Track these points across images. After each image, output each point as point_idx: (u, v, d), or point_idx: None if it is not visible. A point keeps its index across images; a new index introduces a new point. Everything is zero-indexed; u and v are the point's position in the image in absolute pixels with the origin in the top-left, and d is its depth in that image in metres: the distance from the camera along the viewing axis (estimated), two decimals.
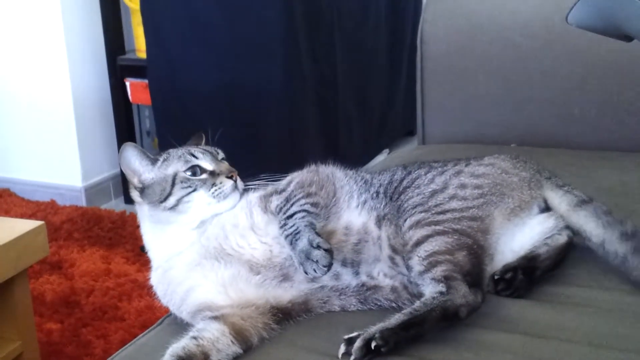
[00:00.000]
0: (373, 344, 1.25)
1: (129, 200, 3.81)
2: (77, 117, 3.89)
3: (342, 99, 3.73)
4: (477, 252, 1.41)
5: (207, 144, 1.68)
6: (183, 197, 1.51)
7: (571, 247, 1.54)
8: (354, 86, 3.89)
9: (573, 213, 1.54)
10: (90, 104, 3.97)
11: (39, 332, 2.52)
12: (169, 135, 3.28)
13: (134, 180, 1.56)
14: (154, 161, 1.56)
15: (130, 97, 3.92)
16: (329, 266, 1.36)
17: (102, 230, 3.51)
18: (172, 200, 1.51)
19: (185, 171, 1.52)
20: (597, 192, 1.85)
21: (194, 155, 1.55)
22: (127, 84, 3.89)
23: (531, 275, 1.46)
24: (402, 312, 1.33)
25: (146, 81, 3.64)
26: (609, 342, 1.29)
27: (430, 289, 1.36)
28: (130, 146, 1.55)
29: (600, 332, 1.32)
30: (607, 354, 1.26)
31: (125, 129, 4.01)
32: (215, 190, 1.51)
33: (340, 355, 1.29)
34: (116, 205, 3.98)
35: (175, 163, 1.54)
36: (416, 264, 1.39)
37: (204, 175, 1.53)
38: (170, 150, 1.59)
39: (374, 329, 1.29)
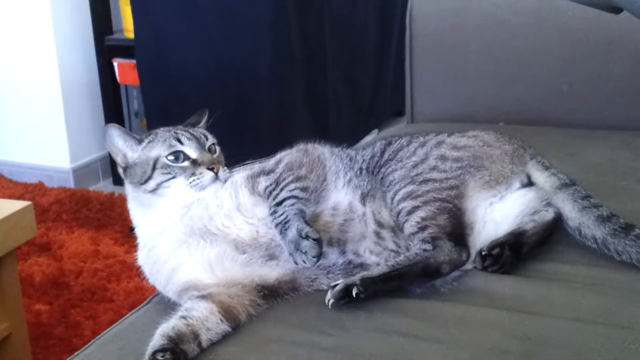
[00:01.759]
0: (354, 290, 1.33)
1: (117, 182, 3.81)
2: (64, 98, 3.87)
3: (331, 79, 3.72)
4: (457, 214, 1.46)
5: (207, 122, 1.66)
6: (162, 182, 1.50)
7: (558, 224, 1.55)
8: (343, 66, 3.88)
9: (554, 195, 1.56)
10: (77, 85, 3.94)
11: (28, 313, 2.52)
12: (157, 115, 3.28)
13: (118, 159, 1.56)
14: (139, 141, 1.55)
15: (118, 78, 3.89)
16: (318, 257, 1.38)
17: (90, 212, 3.50)
18: (152, 184, 1.50)
19: (167, 156, 1.50)
20: (585, 169, 1.87)
21: (179, 140, 1.52)
22: (115, 64, 3.87)
23: (518, 251, 1.47)
24: (386, 264, 1.41)
25: (134, 61, 3.63)
26: (596, 317, 1.30)
27: (417, 247, 1.42)
28: (113, 127, 1.53)
29: (587, 308, 1.33)
30: (593, 329, 1.27)
31: (113, 110, 3.98)
32: (194, 180, 1.49)
33: (326, 301, 1.34)
34: (105, 186, 3.96)
35: (159, 146, 1.52)
36: (408, 227, 1.45)
37: (186, 163, 1.51)
38: (159, 131, 1.57)
39: (356, 276, 1.36)
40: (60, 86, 3.84)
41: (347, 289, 1.33)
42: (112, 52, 3.88)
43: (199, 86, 3.30)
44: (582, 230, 1.51)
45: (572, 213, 1.53)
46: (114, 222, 3.38)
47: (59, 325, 2.54)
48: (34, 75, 3.87)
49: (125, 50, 3.77)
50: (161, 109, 3.41)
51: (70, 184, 3.91)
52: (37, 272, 2.87)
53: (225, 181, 1.53)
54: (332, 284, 1.36)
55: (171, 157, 1.50)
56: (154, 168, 1.50)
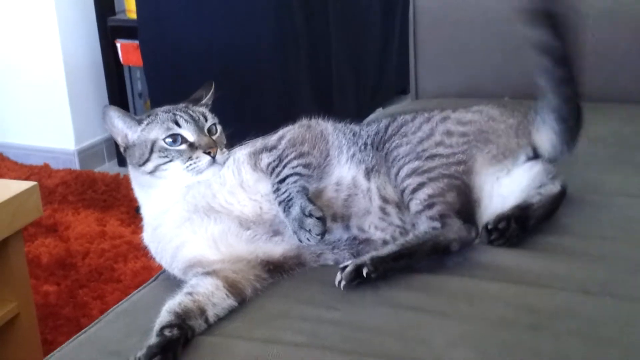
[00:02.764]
0: (364, 270, 1.32)
1: (122, 163, 3.80)
2: (68, 80, 3.86)
3: (335, 58, 3.70)
4: (465, 191, 1.45)
5: (212, 96, 1.64)
6: (160, 165, 1.48)
7: (564, 197, 1.54)
8: (347, 45, 3.86)
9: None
10: (81, 67, 3.93)
11: (36, 294, 2.53)
12: (161, 96, 3.27)
13: (119, 139, 1.54)
14: (139, 121, 1.53)
15: (121, 59, 3.88)
16: (322, 234, 1.38)
17: (96, 193, 3.50)
18: (149, 166, 1.49)
19: (165, 139, 1.48)
20: (590, 143, 1.85)
21: (177, 123, 1.49)
22: (118, 45, 3.85)
23: (524, 224, 1.46)
24: (395, 243, 1.40)
25: (137, 42, 3.60)
26: (603, 289, 1.30)
27: (425, 225, 1.41)
28: (112, 108, 1.52)
29: (593, 280, 1.33)
30: (601, 301, 1.26)
31: (117, 91, 3.97)
32: (191, 164, 1.47)
33: (336, 282, 1.33)
34: (110, 168, 3.97)
35: (157, 128, 1.50)
36: (414, 205, 1.44)
37: (183, 146, 1.48)
38: (158, 111, 1.55)
39: (366, 256, 1.35)
40: (63, 68, 3.83)
41: (358, 269, 1.33)
42: (115, 33, 3.86)
43: (203, 66, 3.28)
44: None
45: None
46: (119, 203, 3.38)
47: (66, 305, 2.55)
48: (37, 57, 3.86)
49: (128, 31, 3.75)
50: (165, 90, 3.40)
51: (76, 165, 3.91)
52: (44, 253, 2.88)
53: (224, 163, 1.51)
54: (341, 265, 1.35)
55: (169, 140, 1.48)
56: (151, 151, 1.48)
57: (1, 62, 3.96)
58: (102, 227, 3.13)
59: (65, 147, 3.94)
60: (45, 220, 3.16)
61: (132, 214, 3.21)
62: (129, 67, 3.96)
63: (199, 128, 1.51)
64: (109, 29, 3.87)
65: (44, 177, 3.69)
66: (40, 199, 2.05)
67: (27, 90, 3.95)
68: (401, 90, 4.53)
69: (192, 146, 1.49)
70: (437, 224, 1.40)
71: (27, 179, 3.65)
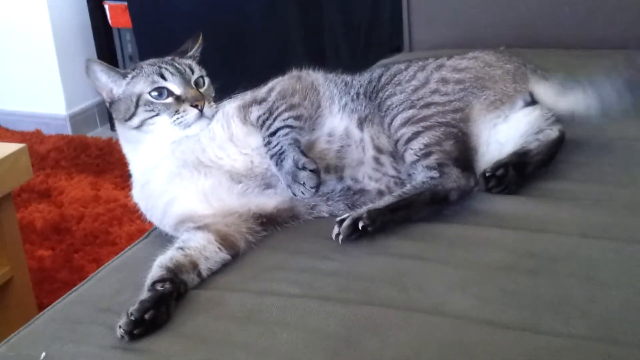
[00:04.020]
0: (360, 224, 1.29)
1: (115, 127, 3.76)
2: (56, 44, 3.80)
3: (327, 14, 3.64)
4: (463, 139, 1.42)
5: (199, 47, 1.58)
6: (146, 119, 1.44)
7: (563, 143, 1.51)
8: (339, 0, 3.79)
9: (562, 99, 1.52)
10: (69, 30, 3.86)
11: (31, 259, 2.51)
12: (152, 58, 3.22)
13: (104, 94, 1.49)
14: (124, 75, 1.47)
15: (110, 21, 3.81)
16: (317, 187, 1.35)
17: (89, 158, 3.46)
18: (136, 121, 1.44)
19: (150, 92, 1.43)
20: None
21: (162, 76, 1.45)
22: (106, 7, 3.77)
23: (523, 171, 1.44)
24: (392, 194, 1.37)
25: (126, 3, 3.54)
26: (604, 233, 1.28)
27: (422, 175, 1.38)
28: (95, 62, 1.47)
29: (593, 223, 1.31)
30: (601, 244, 1.25)
31: (107, 54, 3.90)
32: (177, 118, 1.42)
33: (333, 236, 1.31)
34: (102, 132, 3.92)
35: (142, 82, 1.45)
36: (409, 155, 1.41)
37: (169, 100, 1.43)
38: (143, 64, 1.50)
39: (363, 209, 1.32)
40: (51, 32, 3.76)
41: (355, 223, 1.30)
42: None
43: (193, 25, 3.18)
44: (612, 107, 1.47)
45: (593, 102, 1.49)
46: (113, 167, 3.34)
47: (62, 269, 2.53)
48: (24, 22, 3.79)
49: None
50: (156, 52, 3.33)
51: (68, 130, 3.87)
52: (38, 218, 2.85)
53: (213, 117, 1.47)
54: (338, 218, 1.32)
55: (154, 94, 1.43)
56: (137, 105, 1.44)
57: None
58: (96, 191, 3.10)
59: (56, 113, 3.89)
60: (39, 186, 3.13)
61: (126, 177, 3.16)
62: (119, 30, 3.89)
63: (185, 81, 1.46)
64: None
65: (35, 143, 3.65)
66: (32, 164, 2.02)
67: (15, 56, 3.89)
68: (395, 48, 4.47)
69: (178, 99, 1.44)
70: (434, 174, 1.37)
71: None
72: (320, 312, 1.14)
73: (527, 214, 1.35)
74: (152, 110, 1.44)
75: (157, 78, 1.45)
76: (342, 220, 1.31)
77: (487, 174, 1.42)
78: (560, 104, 1.51)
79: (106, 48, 3.91)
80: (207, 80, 1.52)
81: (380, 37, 4.35)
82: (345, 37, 3.90)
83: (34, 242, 2.69)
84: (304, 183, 1.35)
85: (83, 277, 2.45)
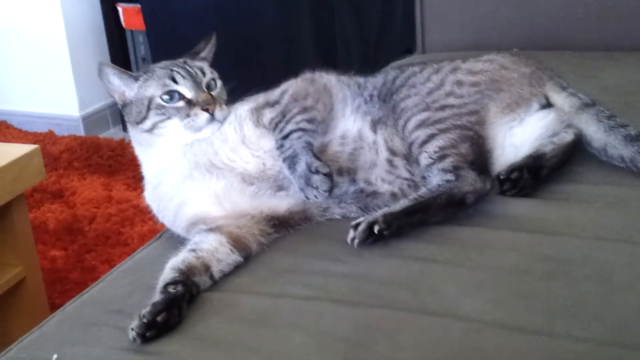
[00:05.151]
0: (376, 228, 1.28)
1: (127, 128, 3.76)
2: (70, 46, 3.81)
3: (338, 15, 3.63)
4: (478, 141, 1.41)
5: (215, 45, 1.58)
6: (157, 122, 1.43)
7: (578, 146, 1.50)
8: (351, 2, 3.78)
9: (575, 116, 1.50)
10: (83, 32, 3.87)
11: (43, 259, 2.51)
12: (164, 60, 3.23)
13: (116, 97, 1.49)
14: (136, 78, 1.47)
15: (123, 23, 3.82)
16: (330, 190, 1.35)
17: (101, 159, 3.47)
18: (147, 124, 1.44)
19: (162, 96, 1.43)
20: (604, 91, 1.81)
21: (173, 79, 1.44)
22: (120, 9, 3.79)
23: (537, 174, 1.43)
24: (407, 197, 1.36)
25: (139, 5, 3.55)
26: (618, 235, 1.26)
27: (438, 179, 1.36)
28: (107, 65, 1.46)
29: (610, 227, 1.29)
30: (616, 247, 1.23)
31: (119, 56, 3.91)
32: (188, 122, 1.42)
33: (349, 240, 1.30)
34: (115, 133, 3.93)
35: (154, 85, 1.44)
36: (424, 158, 1.40)
37: (180, 103, 1.43)
38: (155, 67, 1.50)
39: (378, 213, 1.31)
40: (65, 33, 3.77)
41: (370, 226, 1.29)
42: None
43: (205, 28, 3.18)
44: (608, 151, 1.46)
45: (597, 134, 1.48)
46: (125, 168, 3.35)
47: (74, 269, 2.53)
48: (38, 23, 3.80)
49: None
50: (168, 54, 3.33)
51: (81, 131, 3.88)
52: (51, 219, 2.86)
53: (224, 120, 1.46)
54: (354, 222, 1.31)
55: (166, 97, 1.43)
56: (148, 108, 1.44)
57: (2, 29, 3.91)
58: (108, 191, 3.11)
59: (69, 114, 3.90)
60: (51, 187, 3.14)
61: (138, 178, 3.16)
62: (132, 32, 3.89)
63: (196, 84, 1.45)
64: None
65: (48, 143, 3.66)
66: (43, 162, 2.02)
67: (29, 57, 3.91)
68: (407, 49, 4.46)
69: (189, 103, 1.44)
70: (450, 176, 1.36)
71: None
72: (332, 315, 1.14)
73: (541, 217, 1.34)
74: (164, 114, 1.43)
75: (168, 81, 1.44)
76: (357, 225, 1.30)
77: (501, 177, 1.41)
78: (572, 119, 1.50)
79: (119, 50, 3.92)
80: (219, 82, 1.51)
81: (392, 38, 4.34)
82: (357, 39, 3.89)
83: (47, 242, 2.70)
84: (316, 187, 1.34)
85: (95, 277, 2.47)
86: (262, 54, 3.24)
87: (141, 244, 2.62)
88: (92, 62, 3.89)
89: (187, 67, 1.48)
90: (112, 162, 3.43)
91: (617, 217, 1.32)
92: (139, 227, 2.78)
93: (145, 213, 2.57)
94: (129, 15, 3.76)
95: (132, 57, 3.96)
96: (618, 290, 1.12)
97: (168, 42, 3.39)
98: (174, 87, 1.44)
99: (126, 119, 1.51)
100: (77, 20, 3.84)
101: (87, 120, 3.92)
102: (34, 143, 3.64)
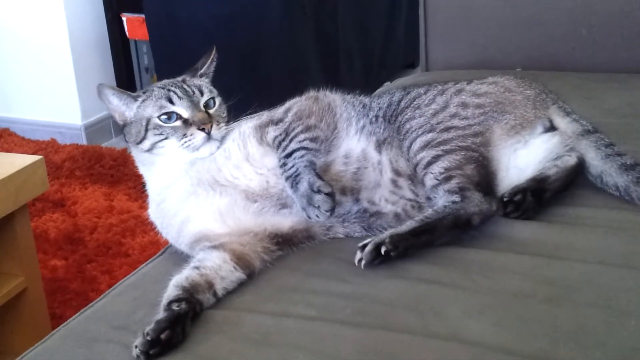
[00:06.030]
0: (383, 249, 1.28)
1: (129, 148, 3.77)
2: (74, 55, 3.82)
3: (342, 30, 3.65)
4: (484, 163, 1.41)
5: (216, 60, 1.58)
6: (156, 142, 1.44)
7: (581, 169, 1.51)
8: (355, 17, 3.80)
9: (576, 141, 1.51)
10: (87, 41, 3.89)
11: (44, 269, 2.52)
12: (168, 71, 3.24)
13: (116, 116, 1.50)
14: (136, 97, 1.48)
15: (127, 33, 3.83)
16: (332, 210, 1.34)
17: (103, 168, 3.48)
18: (146, 144, 1.45)
19: (159, 116, 1.44)
20: (604, 113, 1.82)
21: (170, 100, 1.45)
22: (124, 19, 3.80)
23: (540, 197, 1.44)
24: (414, 219, 1.36)
25: (143, 16, 3.57)
26: (621, 260, 1.27)
27: (443, 200, 1.37)
28: (106, 87, 1.48)
29: (612, 251, 1.30)
30: (619, 272, 1.24)
31: (123, 65, 3.94)
32: (185, 141, 1.43)
33: (356, 261, 1.30)
34: (117, 143, 3.94)
35: (151, 106, 1.45)
36: (429, 179, 1.40)
37: (177, 123, 1.44)
38: (154, 87, 1.50)
39: (385, 234, 1.31)
40: (69, 42, 3.79)
41: (377, 248, 1.29)
42: (121, 6, 3.82)
43: (209, 39, 3.24)
44: (603, 178, 1.48)
45: (594, 161, 1.49)
46: (127, 178, 3.36)
47: (75, 280, 2.53)
48: (43, 32, 3.82)
49: (134, 4, 3.70)
50: (171, 64, 3.36)
51: (83, 140, 3.89)
52: (52, 228, 2.86)
53: (222, 139, 1.47)
54: (360, 244, 1.32)
55: (163, 117, 1.44)
56: (147, 129, 1.45)
57: (6, 37, 3.93)
58: (109, 201, 3.11)
59: (72, 122, 3.92)
60: (53, 196, 3.15)
61: (140, 188, 3.18)
62: (135, 41, 3.92)
63: (193, 103, 1.46)
64: (115, 1, 3.83)
65: (50, 152, 3.67)
66: (47, 173, 2.03)
67: (33, 66, 3.92)
68: (410, 64, 4.48)
69: (186, 122, 1.44)
70: (456, 198, 1.36)
71: (34, 154, 3.60)
72: (335, 336, 1.14)
73: (545, 240, 1.35)
74: (161, 134, 1.44)
75: (164, 102, 1.45)
76: (364, 245, 1.30)
77: (505, 199, 1.41)
78: (576, 145, 1.51)
79: (123, 60, 3.94)
80: (217, 100, 1.51)
81: (394, 54, 4.37)
82: (360, 53, 3.91)
83: (47, 251, 2.70)
84: (318, 206, 1.34)
85: (95, 288, 2.48)
86: (266, 68, 3.25)
87: (142, 255, 2.64)
88: (95, 72, 3.93)
89: (185, 87, 1.49)
90: (114, 171, 3.44)
91: (620, 241, 1.32)
92: (140, 237, 2.78)
93: (146, 224, 2.59)
94: (133, 25, 3.78)
95: (135, 67, 3.98)
96: (621, 316, 1.12)
97: (172, 52, 3.41)
98: (171, 108, 1.45)
99: (127, 139, 1.51)
100: (81, 30, 3.86)
101: (90, 129, 3.93)
102: (36, 151, 3.67)
